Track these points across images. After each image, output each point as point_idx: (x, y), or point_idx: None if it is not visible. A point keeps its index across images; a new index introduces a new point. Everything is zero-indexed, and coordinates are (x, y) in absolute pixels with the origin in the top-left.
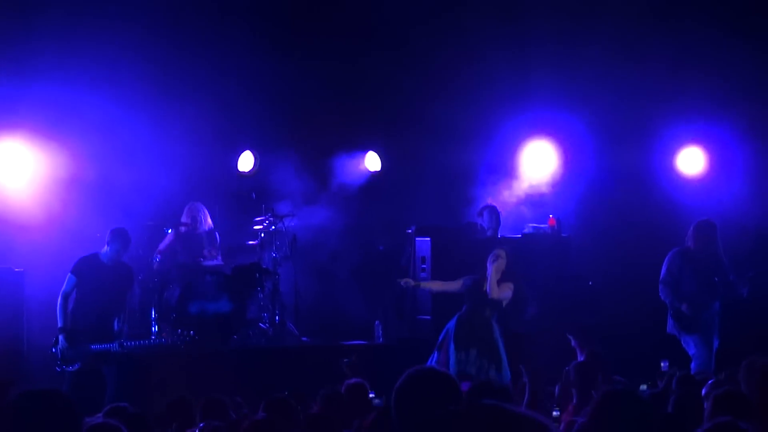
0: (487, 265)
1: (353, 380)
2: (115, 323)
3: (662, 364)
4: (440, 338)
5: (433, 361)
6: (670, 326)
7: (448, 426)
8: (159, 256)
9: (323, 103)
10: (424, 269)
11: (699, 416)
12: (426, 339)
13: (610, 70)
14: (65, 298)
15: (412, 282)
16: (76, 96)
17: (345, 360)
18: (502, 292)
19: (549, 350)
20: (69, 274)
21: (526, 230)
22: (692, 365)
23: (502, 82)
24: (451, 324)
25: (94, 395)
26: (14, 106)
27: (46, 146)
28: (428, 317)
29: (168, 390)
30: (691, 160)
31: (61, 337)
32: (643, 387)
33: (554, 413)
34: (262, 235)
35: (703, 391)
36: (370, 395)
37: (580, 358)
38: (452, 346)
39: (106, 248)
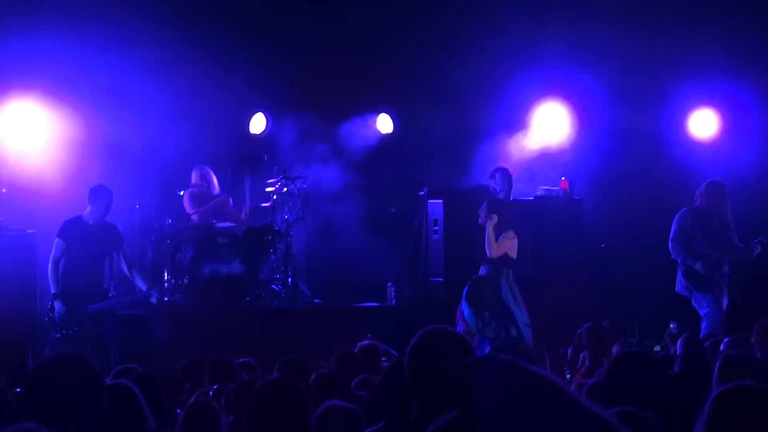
0: (484, 225)
1: (366, 341)
2: (105, 282)
3: (671, 325)
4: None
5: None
6: (680, 286)
7: (461, 379)
8: (195, 216)
9: (335, 64)
10: (436, 231)
11: (705, 377)
12: (438, 301)
13: (622, 28)
14: (56, 263)
15: None
16: (88, 57)
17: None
18: (502, 248)
19: (562, 312)
20: (57, 239)
21: (538, 193)
22: (703, 325)
23: (514, 41)
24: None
25: (97, 361)
26: (27, 66)
27: (59, 108)
28: (440, 279)
29: (179, 353)
30: (703, 123)
31: (57, 303)
32: (657, 348)
33: (566, 377)
34: (275, 197)
35: (722, 348)
36: (383, 360)
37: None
38: (466, 313)
39: (89, 208)
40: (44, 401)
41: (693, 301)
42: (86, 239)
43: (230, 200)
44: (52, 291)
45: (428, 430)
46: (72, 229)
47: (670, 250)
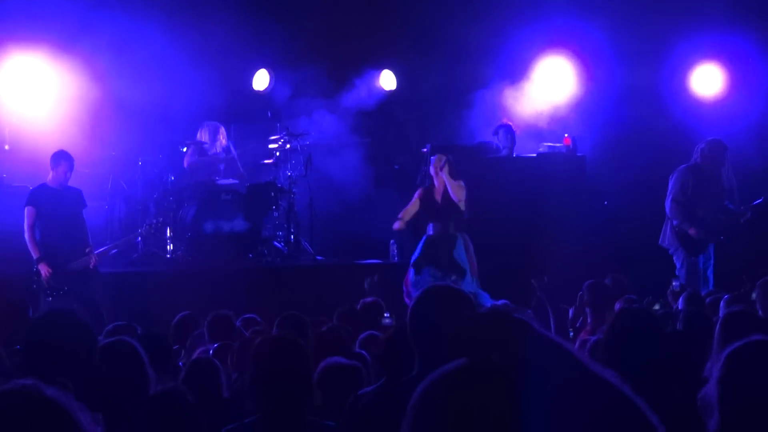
0: (441, 176)
1: (370, 298)
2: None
3: (674, 283)
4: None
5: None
6: (666, 241)
7: (468, 329)
8: (190, 171)
9: (339, 21)
10: None
11: (707, 334)
12: None
13: None
14: (32, 230)
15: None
16: (92, 12)
17: (367, 279)
18: (461, 192)
19: (564, 270)
20: (27, 207)
21: (540, 149)
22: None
23: None
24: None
25: (92, 318)
26: (30, 21)
27: (62, 63)
28: None
29: (180, 310)
30: (706, 79)
31: (41, 267)
32: (657, 307)
33: (569, 335)
34: (277, 153)
35: (721, 306)
36: (385, 316)
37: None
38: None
39: (51, 174)
40: (39, 358)
41: (674, 258)
42: (55, 202)
43: (235, 156)
44: (34, 256)
45: (429, 376)
46: (39, 196)
47: (668, 209)
